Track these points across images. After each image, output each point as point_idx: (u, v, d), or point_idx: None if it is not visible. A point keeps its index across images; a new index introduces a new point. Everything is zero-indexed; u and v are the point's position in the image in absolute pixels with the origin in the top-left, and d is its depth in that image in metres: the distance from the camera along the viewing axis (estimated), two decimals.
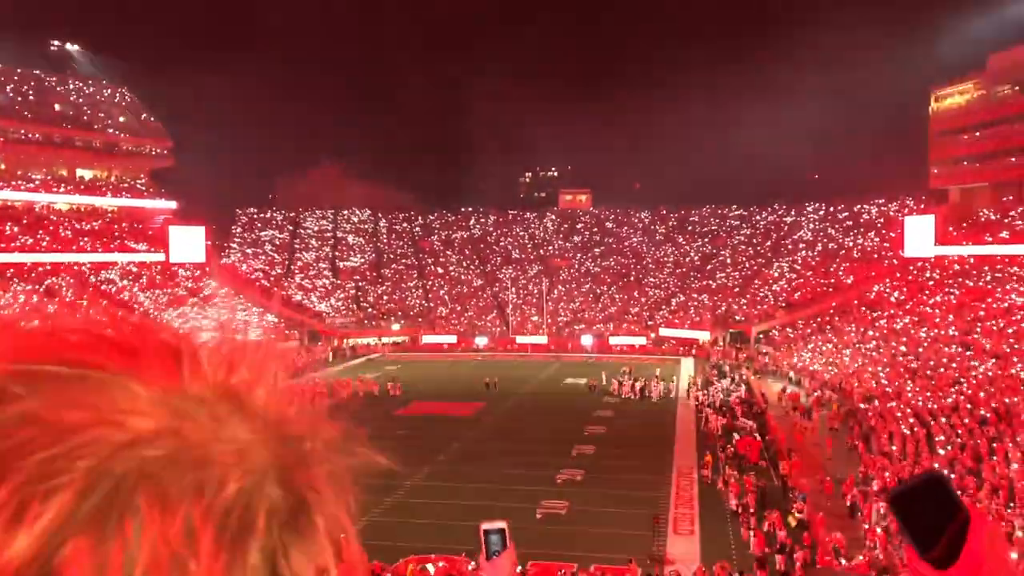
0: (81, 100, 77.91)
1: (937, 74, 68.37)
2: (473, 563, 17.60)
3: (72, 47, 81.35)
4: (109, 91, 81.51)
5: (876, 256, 69.58)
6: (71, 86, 78.42)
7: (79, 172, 76.81)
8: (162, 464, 0.48)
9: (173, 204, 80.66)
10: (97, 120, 77.23)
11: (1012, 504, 22.81)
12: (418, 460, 32.60)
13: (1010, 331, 41.81)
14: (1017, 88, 59.42)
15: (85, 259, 66.86)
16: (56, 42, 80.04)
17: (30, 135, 72.18)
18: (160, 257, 71.86)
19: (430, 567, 19.41)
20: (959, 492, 1.08)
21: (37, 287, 59.85)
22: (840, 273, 69.05)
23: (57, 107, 75.06)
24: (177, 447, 0.49)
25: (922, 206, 71.82)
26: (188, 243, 73.10)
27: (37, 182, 71.70)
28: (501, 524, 2.11)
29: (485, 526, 2.09)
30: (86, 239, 69.33)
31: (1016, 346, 38.99)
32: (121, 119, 79.60)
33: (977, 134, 61.98)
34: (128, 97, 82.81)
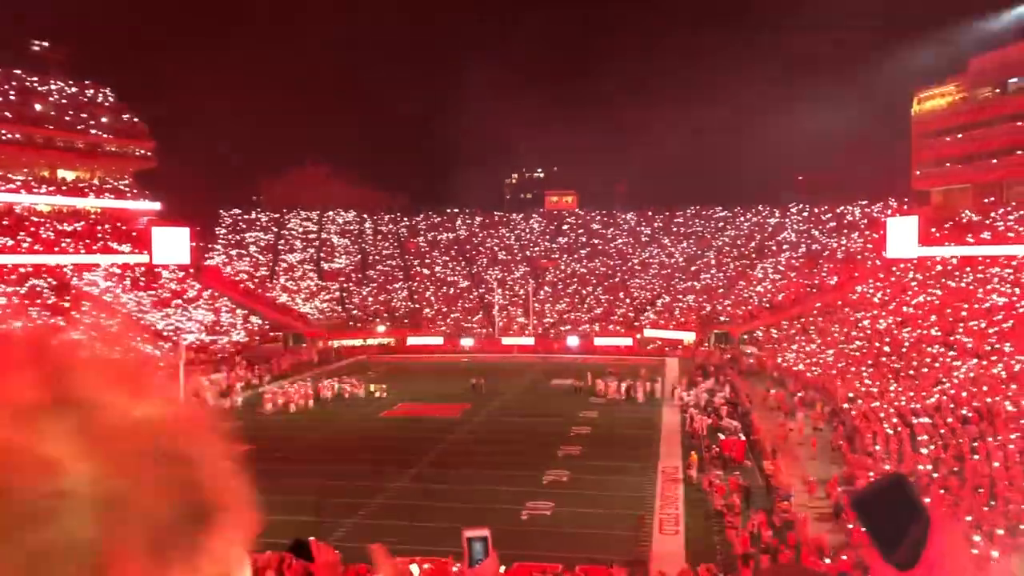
0: (63, 100, 77.28)
1: (919, 77, 68.88)
2: (457, 566, 17.59)
3: (55, 47, 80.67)
4: (92, 91, 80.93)
5: (859, 257, 70.03)
6: (53, 86, 77.79)
7: (61, 173, 76.22)
8: None
9: (157, 205, 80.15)
10: (79, 121, 76.63)
11: (993, 502, 23.00)
12: (404, 462, 32.59)
13: (992, 331, 42.16)
14: (998, 91, 59.96)
15: (67, 261, 66.35)
16: (38, 42, 79.35)
17: (11, 136, 71.56)
18: (144, 259, 71.38)
19: (414, 568, 19.36)
20: (922, 495, 1.07)
21: (18, 289, 59.36)
22: (824, 274, 69.46)
23: (38, 107, 74.43)
24: None
25: (905, 207, 72.39)
26: (172, 244, 72.64)
27: (18, 183, 71.08)
28: (484, 532, 2.12)
29: (468, 534, 2.10)
30: (68, 240, 68.80)
31: (998, 346, 39.32)
32: (104, 120, 79.01)
33: (959, 136, 62.50)
34: (111, 97, 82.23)
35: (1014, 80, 58.60)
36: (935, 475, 26.11)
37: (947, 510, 22.87)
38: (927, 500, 0.98)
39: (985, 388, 33.47)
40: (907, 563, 1.01)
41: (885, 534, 1.02)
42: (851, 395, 38.81)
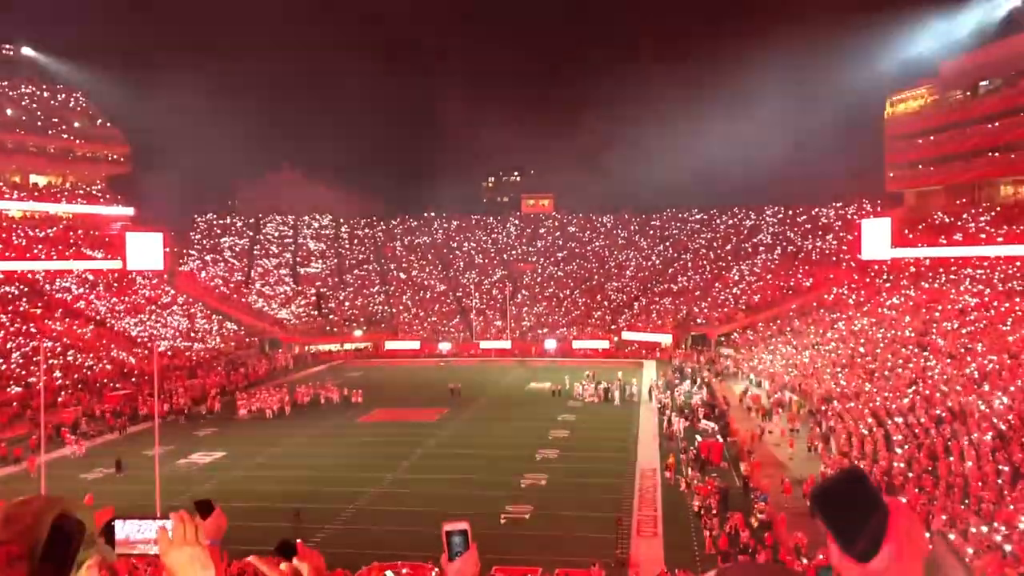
0: (35, 105, 76.38)
1: (892, 80, 69.53)
2: (436, 569, 17.50)
3: (27, 51, 79.72)
4: (64, 96, 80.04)
5: (834, 259, 70.60)
6: (24, 90, 76.86)
7: (33, 178, 75.28)
8: None
9: (131, 210, 79.35)
10: (51, 125, 75.76)
11: (967, 500, 23.21)
12: (381, 467, 32.47)
13: (964, 331, 42.59)
14: (969, 93, 60.69)
15: (39, 267, 65.48)
16: (9, 45, 78.39)
17: None
18: (117, 264, 70.60)
19: (389, 573, 19.28)
20: (878, 487, 1.11)
21: None
22: (799, 276, 69.97)
23: (10, 112, 73.48)
24: None
25: (879, 209, 73.07)
26: (146, 250, 71.88)
27: None
28: (463, 525, 2.10)
29: (447, 527, 2.07)
30: (40, 246, 67.92)
31: (970, 346, 39.74)
32: (76, 124, 78.16)
33: (931, 138, 63.15)
34: (84, 102, 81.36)
35: (984, 83, 59.32)
36: (910, 474, 26.33)
37: (911, 503, 23.07)
38: (883, 492, 1.03)
39: (958, 388, 33.81)
40: (866, 553, 1.02)
41: (844, 527, 1.03)
42: (827, 396, 39.07)
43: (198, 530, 1.76)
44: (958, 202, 63.06)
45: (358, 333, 73.18)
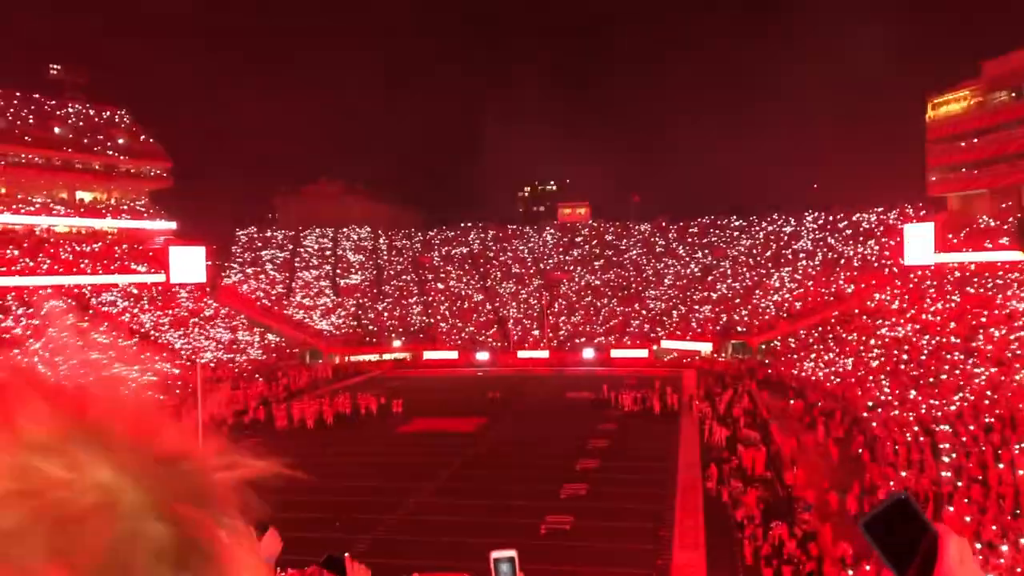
0: (80, 123, 78.19)
1: (933, 81, 68.60)
2: None
3: (69, 70, 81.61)
4: (108, 113, 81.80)
5: (876, 264, 69.56)
6: (70, 109, 78.71)
7: (79, 195, 77.03)
8: (15, 536, 0.41)
9: (173, 225, 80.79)
10: (96, 142, 77.45)
11: (1019, 511, 22.69)
12: (421, 477, 32.54)
13: (1012, 337, 41.73)
14: (1014, 94, 59.59)
15: (85, 281, 66.89)
16: (55, 66, 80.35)
17: (30, 158, 72.40)
18: (161, 278, 71.89)
19: None
20: (925, 513, 1.08)
21: (38, 311, 59.82)
22: (841, 282, 69.03)
23: (57, 130, 75.30)
24: (29, 511, 0.43)
25: (922, 213, 71.93)
26: (188, 263, 73.15)
27: (37, 205, 71.88)
28: (511, 553, 2.08)
29: (495, 555, 2.06)
30: (86, 261, 69.41)
31: (1019, 352, 38.91)
32: (120, 141, 79.82)
33: (975, 140, 62.10)
34: (127, 119, 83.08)
35: None
36: (958, 484, 25.80)
37: (960, 521, 22.58)
38: (930, 516, 1.03)
39: (1009, 395, 33.10)
40: None
41: (895, 553, 1.02)
42: (871, 404, 38.46)
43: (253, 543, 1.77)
44: (1003, 205, 61.85)
45: (397, 343, 73.61)
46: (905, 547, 1.02)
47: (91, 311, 63.03)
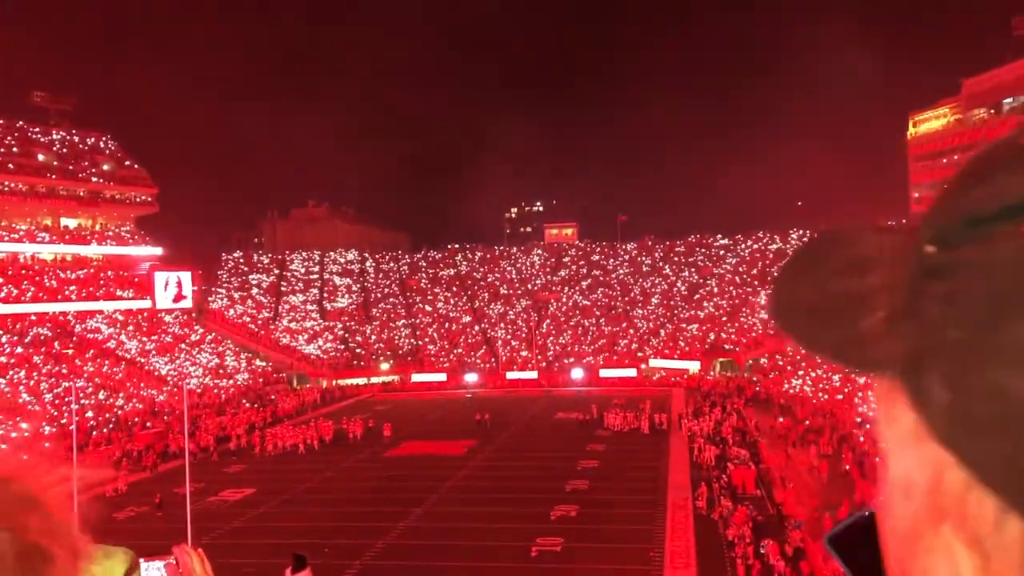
0: (65, 150, 77.96)
1: (915, 100, 69.41)
2: None
3: (53, 97, 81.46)
4: (93, 140, 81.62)
5: None
6: (55, 136, 78.51)
7: (64, 221, 76.68)
8: None
9: (159, 250, 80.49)
10: (81, 169, 77.24)
11: None
12: (410, 501, 32.33)
13: None
14: (992, 111, 60.34)
15: (70, 308, 66.45)
16: (39, 93, 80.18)
17: (13, 186, 72.11)
18: (146, 304, 71.50)
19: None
20: None
21: (23, 338, 59.37)
22: None
23: (41, 157, 75.05)
24: None
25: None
26: (174, 289, 72.82)
27: (21, 232, 71.50)
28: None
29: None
30: (72, 288, 69.00)
31: None
32: (105, 167, 79.62)
33: (955, 157, 62.74)
34: (112, 145, 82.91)
35: (1008, 101, 58.98)
36: None
37: None
38: None
39: None
40: None
41: (862, 571, 0.90)
42: (859, 420, 38.55)
43: (204, 562, 1.75)
44: None
45: (385, 367, 73.36)
46: (872, 564, 0.87)
47: (76, 338, 62.60)
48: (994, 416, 0.38)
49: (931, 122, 66.03)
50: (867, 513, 1.03)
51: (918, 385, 0.44)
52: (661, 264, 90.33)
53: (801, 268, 0.53)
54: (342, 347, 77.54)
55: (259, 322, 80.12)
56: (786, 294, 0.53)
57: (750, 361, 64.03)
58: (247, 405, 56.70)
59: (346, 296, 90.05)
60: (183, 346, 68.42)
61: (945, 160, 63.99)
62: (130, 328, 68.05)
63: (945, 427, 0.42)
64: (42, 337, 60.56)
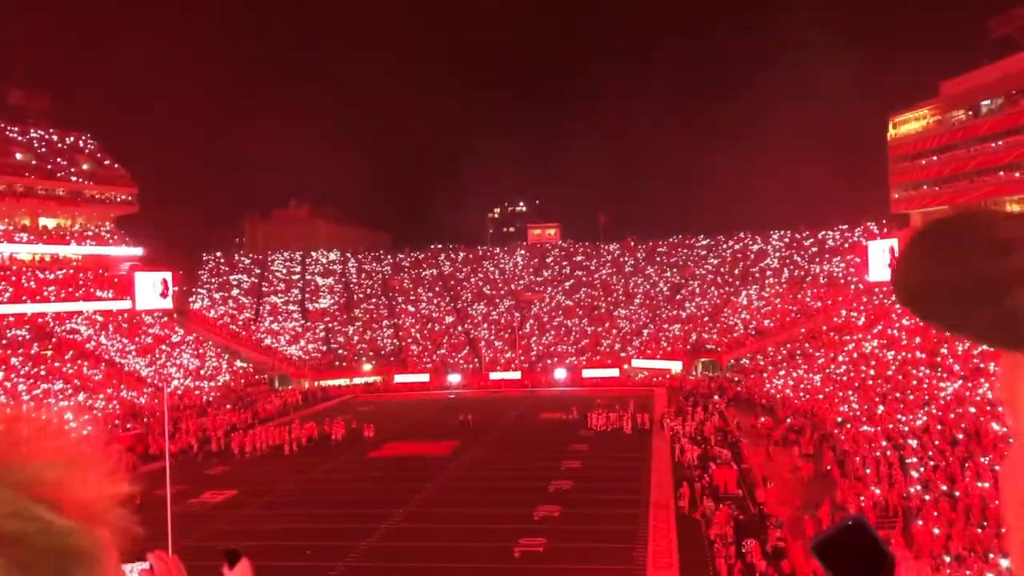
0: (43, 149, 77.12)
1: (895, 101, 69.96)
2: None
3: (32, 96, 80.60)
4: (72, 139, 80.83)
5: (842, 281, 70.50)
6: (33, 135, 77.66)
7: (42, 221, 75.88)
8: None
9: (139, 250, 79.84)
10: (60, 168, 76.45)
11: (986, 523, 22.95)
12: (393, 502, 32.25)
13: (976, 351, 42.37)
14: (971, 113, 60.86)
15: (49, 309, 65.81)
16: (17, 91, 79.25)
17: None
18: (127, 304, 70.91)
19: None
20: (881, 537, 1.05)
21: (0, 340, 58.74)
22: (807, 299, 69.82)
23: (19, 156, 74.19)
24: None
25: (885, 231, 73.09)
26: (155, 289, 72.24)
27: None
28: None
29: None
30: (51, 288, 68.34)
31: (983, 366, 39.51)
32: (85, 166, 78.84)
33: (935, 158, 63.28)
34: (91, 144, 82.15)
35: (986, 102, 59.50)
36: (926, 497, 26.07)
37: (929, 535, 22.80)
38: (904, 528, 0.97)
39: (972, 409, 33.56)
40: None
41: None
42: (840, 419, 38.83)
43: (180, 569, 1.75)
44: None
45: (367, 367, 73.14)
46: (858, 572, 0.98)
47: (55, 339, 62.01)
48: None
49: (911, 123, 66.46)
50: (851, 522, 1.07)
51: None
52: (643, 264, 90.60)
53: (937, 251, 0.52)
54: (324, 348, 77.26)
55: (240, 323, 79.69)
56: (921, 278, 0.51)
57: (731, 361, 64.37)
58: (229, 407, 56.38)
59: (328, 297, 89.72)
60: (164, 347, 67.92)
61: (924, 161, 64.47)
62: (110, 329, 67.48)
63: None
64: (20, 338, 59.96)
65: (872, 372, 46.28)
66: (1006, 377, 0.49)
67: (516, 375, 69.95)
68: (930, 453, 30.10)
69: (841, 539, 0.99)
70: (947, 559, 20.98)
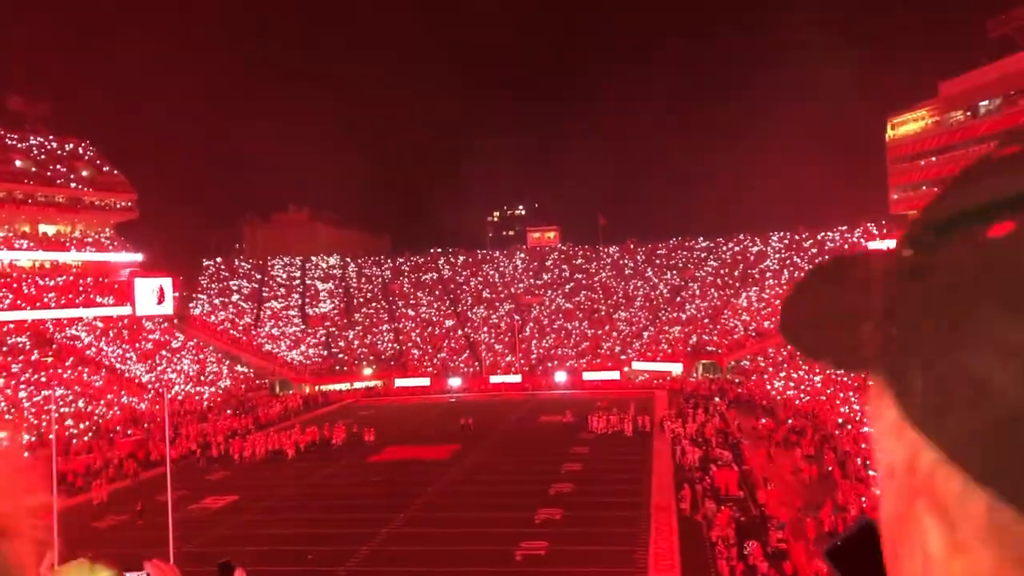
0: (43, 156, 77.21)
1: (893, 101, 70.08)
2: None
3: (31, 102, 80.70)
4: (71, 145, 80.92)
5: None
6: (32, 141, 77.75)
7: (42, 228, 75.95)
8: None
9: (139, 256, 79.88)
10: (60, 175, 76.54)
11: None
12: (394, 506, 32.24)
13: None
14: (969, 113, 60.98)
15: (49, 316, 65.84)
16: (16, 98, 79.37)
17: None
18: (127, 311, 70.95)
19: None
20: None
21: (0, 347, 58.74)
22: None
23: (18, 163, 74.28)
24: None
25: (884, 232, 73.16)
26: (155, 295, 72.28)
27: None
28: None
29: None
30: (51, 295, 68.35)
31: None
32: (84, 173, 78.95)
33: (933, 159, 63.39)
34: (91, 151, 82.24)
35: (984, 103, 59.62)
36: None
37: None
38: None
39: None
40: None
41: None
42: (841, 420, 38.84)
43: None
44: None
45: (368, 372, 73.13)
46: (874, 574, 0.85)
47: (55, 346, 62.02)
48: (960, 396, 0.42)
49: (909, 124, 66.62)
50: (864, 523, 1.03)
51: (898, 376, 0.49)
52: (643, 267, 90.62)
53: (810, 289, 0.59)
54: (325, 352, 77.25)
55: (241, 328, 79.70)
56: (792, 312, 0.59)
57: (732, 363, 64.36)
58: (229, 413, 56.38)
59: (328, 301, 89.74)
60: (164, 353, 67.95)
61: (923, 162, 64.60)
62: (110, 335, 67.50)
63: (919, 411, 0.47)
64: (20, 345, 59.97)
65: None
66: (870, 401, 0.59)
67: (516, 378, 69.93)
68: None
69: (853, 543, 0.86)
70: None
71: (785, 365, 57.72)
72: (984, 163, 0.50)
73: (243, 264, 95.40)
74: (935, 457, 0.46)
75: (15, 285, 67.58)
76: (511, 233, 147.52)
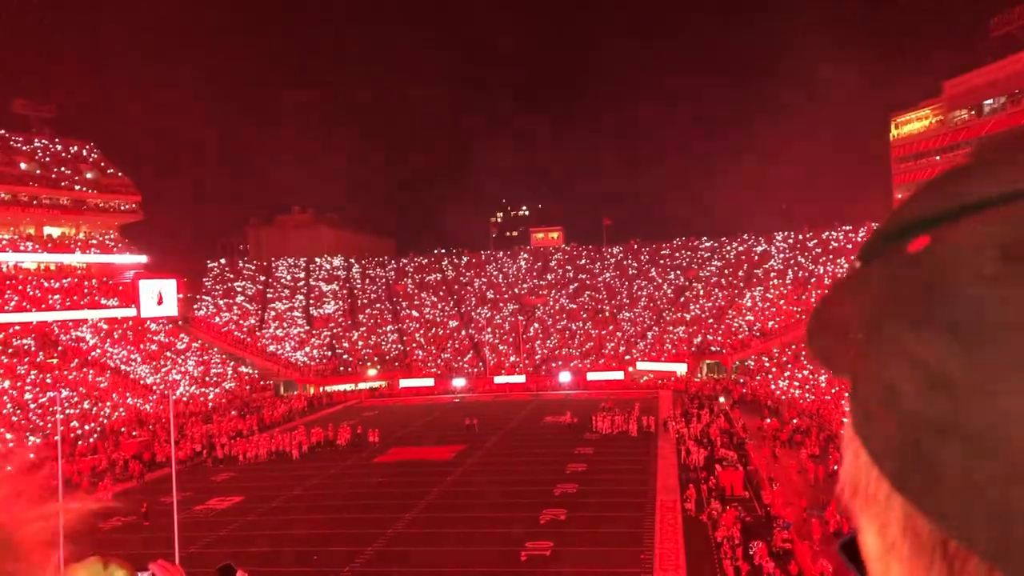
0: (47, 158, 77.45)
1: (897, 100, 70.01)
2: None
3: (36, 106, 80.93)
4: (76, 148, 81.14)
5: None
6: (37, 144, 77.99)
7: (47, 230, 76.14)
8: None
9: (143, 258, 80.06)
10: (64, 177, 76.75)
11: None
12: (399, 507, 32.26)
13: None
14: (973, 112, 60.86)
15: (54, 317, 65.98)
16: (21, 101, 79.62)
17: None
18: (131, 312, 71.10)
19: None
20: None
21: (6, 349, 58.89)
22: (812, 300, 69.68)
23: (23, 166, 74.52)
24: None
25: None
26: (159, 297, 72.44)
27: (4, 241, 70.96)
28: None
29: None
30: (56, 297, 68.51)
31: None
32: (88, 175, 79.16)
33: (937, 158, 63.26)
34: (95, 153, 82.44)
35: (989, 102, 59.50)
36: None
37: None
38: None
39: None
40: None
41: None
42: (846, 420, 38.70)
43: None
44: None
45: (372, 372, 73.15)
46: None
47: (60, 348, 62.15)
48: (880, 404, 0.47)
49: (913, 123, 66.52)
50: None
51: (852, 383, 0.53)
52: (647, 267, 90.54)
53: (829, 296, 0.61)
54: (329, 353, 77.29)
55: (245, 329, 79.79)
56: (811, 317, 0.61)
57: (736, 363, 64.28)
58: (234, 414, 56.46)
59: (332, 302, 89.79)
60: (169, 354, 68.06)
61: (927, 161, 64.47)
62: (115, 337, 67.63)
63: (855, 415, 0.51)
64: (26, 347, 60.10)
65: None
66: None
67: (521, 379, 69.88)
68: None
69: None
70: None
71: (789, 365, 57.63)
72: (935, 177, 0.51)
73: (247, 266, 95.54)
74: (868, 461, 0.49)
75: (20, 287, 67.76)
76: (515, 234, 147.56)
